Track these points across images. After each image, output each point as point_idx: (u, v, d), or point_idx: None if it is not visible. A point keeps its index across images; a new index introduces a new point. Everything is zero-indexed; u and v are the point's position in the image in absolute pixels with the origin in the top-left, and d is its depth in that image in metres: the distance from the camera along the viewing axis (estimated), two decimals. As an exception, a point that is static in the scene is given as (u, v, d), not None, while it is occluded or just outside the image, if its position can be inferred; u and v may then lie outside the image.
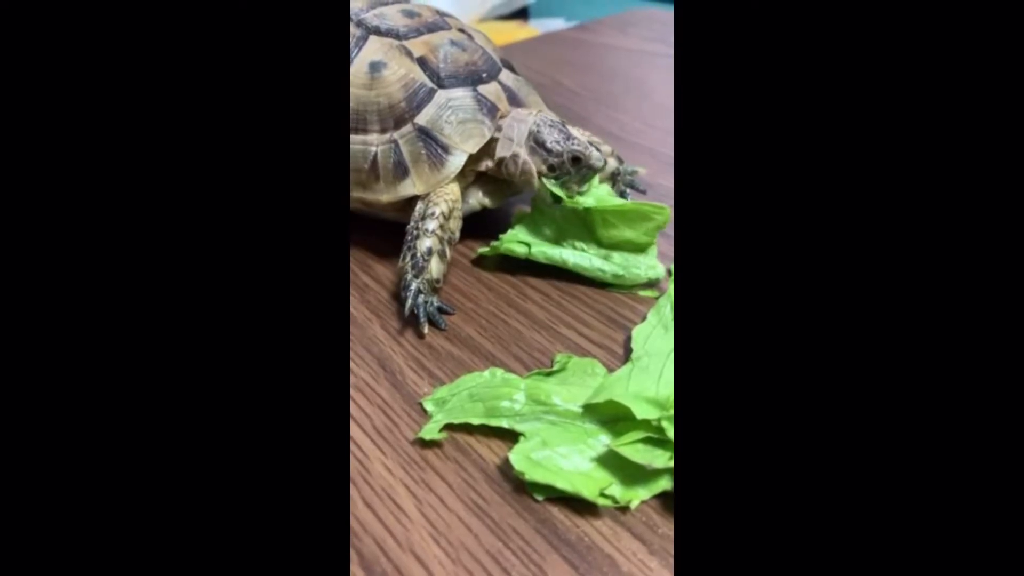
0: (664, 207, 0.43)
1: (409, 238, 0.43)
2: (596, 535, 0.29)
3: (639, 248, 0.45)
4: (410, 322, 0.42)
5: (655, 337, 0.37)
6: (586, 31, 1.00)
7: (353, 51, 0.47)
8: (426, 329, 0.41)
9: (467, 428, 0.34)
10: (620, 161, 0.53)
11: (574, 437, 0.33)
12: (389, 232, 0.47)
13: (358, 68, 0.46)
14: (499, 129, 0.46)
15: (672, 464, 0.29)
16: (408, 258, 0.42)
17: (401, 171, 0.45)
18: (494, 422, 0.34)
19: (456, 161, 0.45)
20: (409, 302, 0.41)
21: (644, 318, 0.39)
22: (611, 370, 0.36)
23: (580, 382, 0.36)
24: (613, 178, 0.52)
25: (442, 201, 0.44)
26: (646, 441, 0.31)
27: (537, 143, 0.44)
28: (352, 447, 0.34)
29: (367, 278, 0.47)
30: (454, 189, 0.45)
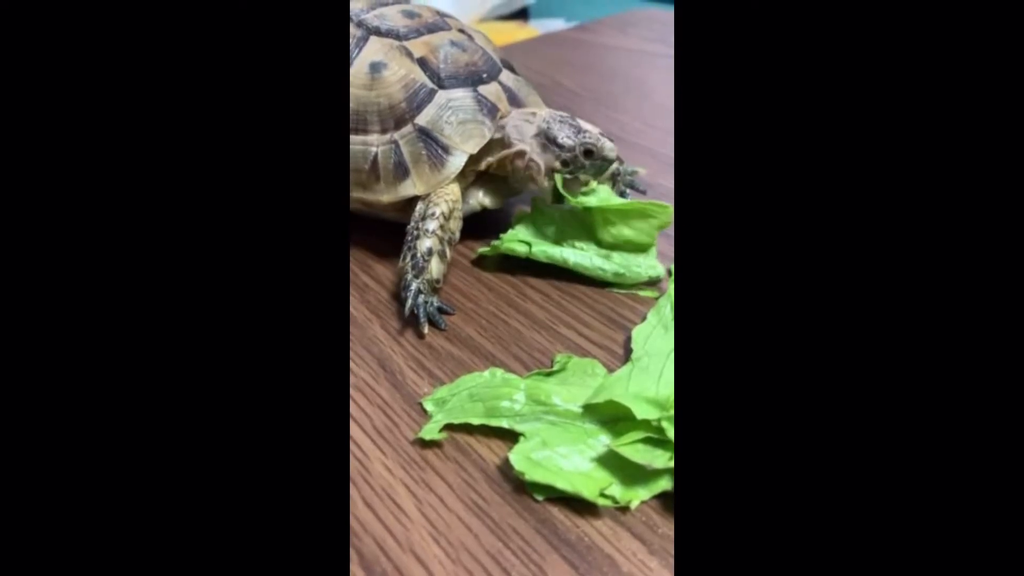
0: (667, 205, 0.43)
1: (409, 238, 0.43)
2: (596, 535, 0.29)
3: (639, 248, 0.45)
4: (410, 322, 0.42)
5: (655, 337, 0.37)
6: (586, 31, 1.00)
7: (353, 52, 0.47)
8: (426, 329, 0.41)
9: (467, 428, 0.34)
10: (620, 161, 0.53)
11: (574, 437, 0.33)
12: (389, 232, 0.47)
13: (358, 69, 0.46)
14: (501, 128, 0.46)
15: (672, 464, 0.29)
16: (408, 258, 0.42)
17: (401, 171, 0.45)
18: (494, 422, 0.34)
19: (456, 161, 0.45)
20: (409, 302, 0.41)
21: (644, 318, 0.39)
22: (611, 370, 0.36)
23: (580, 382, 0.36)
24: (613, 178, 0.52)
25: (442, 201, 0.44)
26: (646, 441, 0.31)
27: (548, 139, 0.44)
28: (352, 447, 0.34)
29: (367, 278, 0.47)
30: (454, 189, 0.45)
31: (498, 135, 0.46)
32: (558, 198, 0.45)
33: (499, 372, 0.37)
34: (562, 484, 0.30)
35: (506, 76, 0.49)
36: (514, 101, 0.48)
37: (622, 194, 0.53)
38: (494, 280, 0.46)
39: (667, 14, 1.03)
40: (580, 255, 0.45)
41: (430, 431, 0.33)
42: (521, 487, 0.31)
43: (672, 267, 0.45)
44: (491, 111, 0.46)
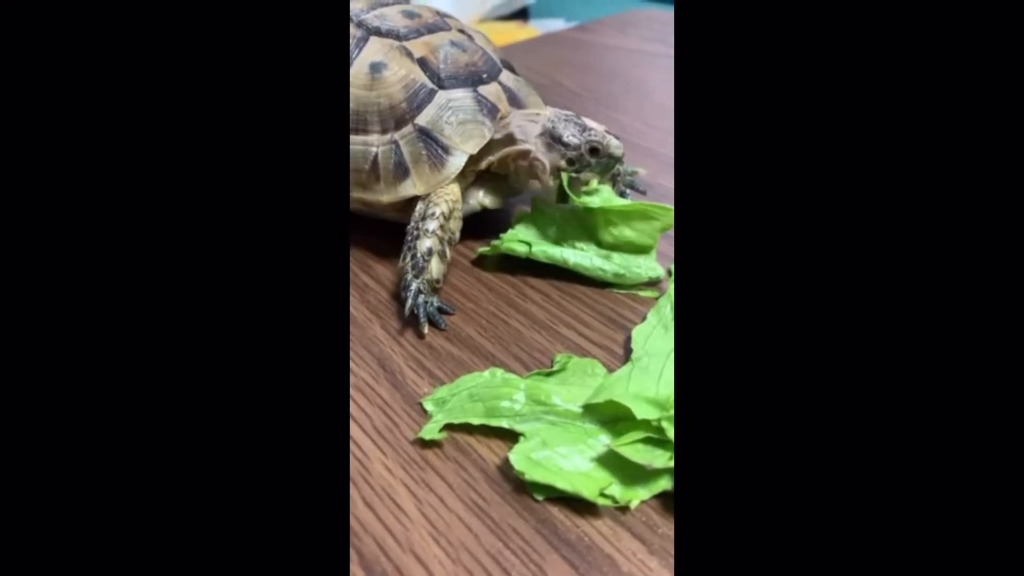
0: (668, 208, 0.43)
1: (409, 238, 0.43)
2: (596, 535, 0.29)
3: (640, 250, 0.45)
4: (410, 322, 0.42)
5: (655, 337, 0.37)
6: (586, 31, 1.00)
7: (354, 52, 0.47)
8: (426, 329, 0.41)
9: (467, 428, 0.34)
10: (620, 161, 0.53)
11: (574, 437, 0.33)
12: (389, 232, 0.47)
13: (359, 69, 0.46)
14: (504, 128, 0.46)
15: (672, 464, 0.29)
16: (408, 258, 0.42)
17: (402, 172, 0.45)
18: (494, 422, 0.34)
19: (456, 162, 0.45)
20: (409, 302, 0.41)
21: (644, 318, 0.39)
22: (611, 370, 0.36)
23: (580, 382, 0.36)
24: (613, 178, 0.52)
25: (442, 201, 0.44)
26: (646, 441, 0.31)
27: (554, 138, 0.43)
28: (352, 447, 0.34)
29: (367, 278, 0.47)
30: (454, 190, 0.45)
31: (499, 135, 0.46)
32: (563, 197, 0.45)
33: (499, 372, 0.37)
34: (562, 484, 0.30)
35: (506, 76, 0.49)
36: (514, 101, 0.48)
37: (622, 194, 0.53)
38: (494, 280, 0.46)
39: (667, 14, 1.03)
40: (580, 255, 0.45)
41: (430, 431, 0.33)
42: (521, 487, 0.31)
43: (672, 267, 0.45)
44: (491, 111, 0.46)
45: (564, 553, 0.29)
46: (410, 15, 0.49)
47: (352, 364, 0.39)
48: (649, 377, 0.33)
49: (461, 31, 0.50)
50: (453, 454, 0.33)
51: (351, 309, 0.44)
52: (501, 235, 0.46)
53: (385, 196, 0.46)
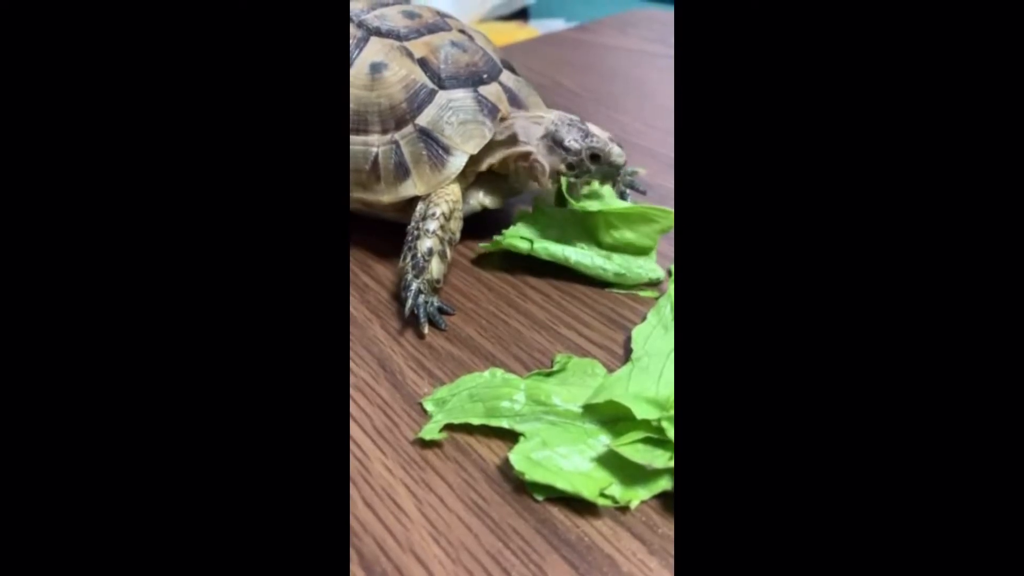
0: (669, 211, 0.43)
1: (410, 238, 0.43)
2: (596, 535, 0.29)
3: (640, 251, 0.45)
4: (410, 322, 0.42)
5: (655, 337, 0.37)
6: (586, 32, 1.00)
7: (354, 52, 0.47)
8: (426, 329, 0.41)
9: (467, 428, 0.34)
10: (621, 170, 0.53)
11: (574, 437, 0.33)
12: (389, 232, 0.47)
13: (359, 69, 0.46)
14: (507, 129, 0.46)
15: (672, 464, 0.29)
16: (408, 258, 0.42)
17: (402, 172, 0.45)
18: (494, 422, 0.34)
19: (457, 162, 0.45)
20: (409, 302, 0.41)
21: (644, 318, 0.39)
22: (611, 370, 0.36)
23: (580, 382, 0.36)
24: (613, 179, 0.52)
25: (443, 202, 0.44)
26: (646, 441, 0.31)
27: (555, 142, 0.43)
28: (352, 447, 0.34)
29: (367, 278, 0.47)
30: (455, 190, 0.45)
31: (502, 136, 0.46)
32: (561, 201, 0.45)
33: (499, 372, 0.37)
34: (562, 484, 0.30)
35: (506, 77, 0.49)
36: (514, 102, 0.48)
37: (622, 194, 0.53)
38: (494, 280, 0.46)
39: (667, 14, 1.03)
40: (581, 253, 0.45)
41: (430, 431, 0.33)
42: (521, 487, 0.31)
43: (672, 267, 0.45)
44: (492, 112, 0.46)
45: (564, 553, 0.29)
46: (410, 15, 0.49)
47: (352, 364, 0.39)
48: (649, 377, 0.33)
49: (461, 31, 0.50)
50: (453, 454, 0.33)
51: (351, 309, 0.44)
52: (504, 230, 0.46)
53: (385, 196, 0.46)
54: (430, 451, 0.33)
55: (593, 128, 0.44)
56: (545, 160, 0.44)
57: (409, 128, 0.45)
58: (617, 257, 0.45)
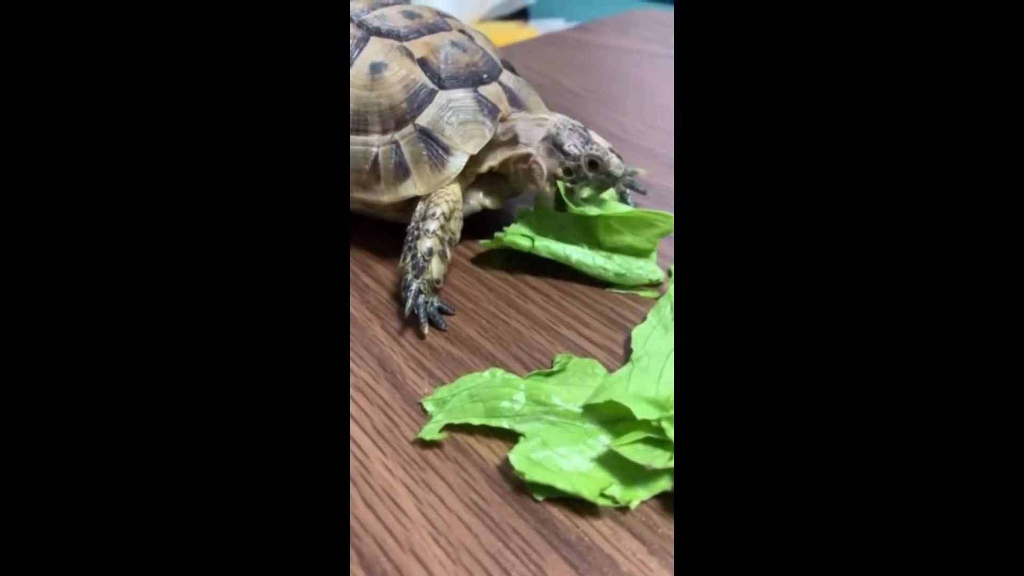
0: (669, 215, 0.43)
1: (410, 238, 0.43)
2: (596, 535, 0.29)
3: (640, 253, 0.45)
4: (410, 322, 0.42)
5: (655, 337, 0.37)
6: (586, 32, 1.00)
7: (354, 52, 0.47)
8: (426, 329, 0.41)
9: (467, 428, 0.34)
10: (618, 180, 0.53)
11: (574, 437, 0.33)
12: (389, 232, 0.47)
13: (359, 69, 0.46)
14: (509, 131, 0.46)
15: (672, 464, 0.29)
16: (408, 258, 0.42)
17: (402, 172, 0.45)
18: (494, 422, 0.34)
19: (457, 162, 0.45)
20: (409, 302, 0.41)
21: (644, 318, 0.39)
22: (611, 370, 0.36)
23: (580, 382, 0.36)
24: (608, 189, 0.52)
25: (443, 202, 0.44)
26: (646, 441, 0.31)
27: (555, 145, 0.43)
28: (352, 447, 0.34)
29: (367, 278, 0.47)
30: (455, 190, 0.45)
31: (504, 136, 0.46)
32: (559, 205, 0.45)
33: (499, 372, 0.37)
34: (562, 484, 0.30)
35: (506, 77, 0.49)
36: (515, 102, 0.48)
37: (622, 194, 0.53)
38: (494, 280, 0.46)
39: (667, 14, 1.03)
40: (583, 253, 0.45)
41: (430, 431, 0.33)
42: (521, 487, 0.31)
43: (672, 268, 0.45)
44: (492, 112, 0.46)
45: (564, 553, 0.29)
46: (410, 15, 0.49)
47: (352, 364, 0.39)
48: (649, 377, 0.33)
49: (461, 31, 0.50)
50: (453, 454, 0.33)
51: (351, 309, 0.44)
52: (505, 227, 0.45)
53: (386, 196, 0.46)
54: (430, 451, 0.33)
55: (595, 136, 0.44)
56: (544, 162, 0.44)
57: (409, 128, 0.45)
58: (618, 257, 0.45)
